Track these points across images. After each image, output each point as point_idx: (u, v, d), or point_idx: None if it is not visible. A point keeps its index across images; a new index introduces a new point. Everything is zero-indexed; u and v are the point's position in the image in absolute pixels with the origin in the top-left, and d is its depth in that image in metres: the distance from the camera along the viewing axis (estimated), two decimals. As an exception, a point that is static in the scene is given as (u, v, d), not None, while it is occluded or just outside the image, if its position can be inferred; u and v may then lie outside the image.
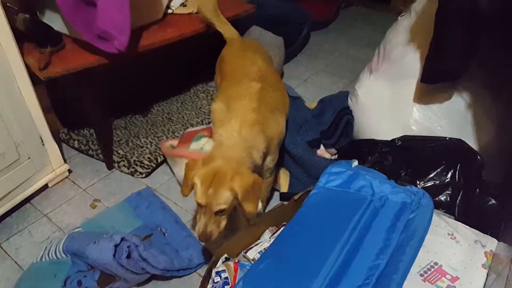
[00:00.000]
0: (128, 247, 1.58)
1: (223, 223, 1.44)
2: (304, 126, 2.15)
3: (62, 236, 1.75)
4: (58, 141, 2.21)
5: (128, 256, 1.58)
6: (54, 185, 2.07)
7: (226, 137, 1.51)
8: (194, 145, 1.97)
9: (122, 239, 1.58)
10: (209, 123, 2.50)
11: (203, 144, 1.96)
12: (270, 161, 1.70)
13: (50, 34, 1.82)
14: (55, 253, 1.68)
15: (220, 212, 1.40)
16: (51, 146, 1.95)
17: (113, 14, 1.62)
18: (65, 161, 2.10)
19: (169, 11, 2.25)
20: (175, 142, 2.11)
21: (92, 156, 2.22)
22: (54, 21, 1.87)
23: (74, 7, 1.66)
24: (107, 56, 1.78)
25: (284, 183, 2.05)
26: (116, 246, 1.55)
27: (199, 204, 1.41)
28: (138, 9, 1.88)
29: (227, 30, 2.13)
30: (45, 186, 2.03)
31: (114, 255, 1.54)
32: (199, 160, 1.45)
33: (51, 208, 1.96)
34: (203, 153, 1.90)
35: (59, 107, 2.28)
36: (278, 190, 2.04)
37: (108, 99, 2.33)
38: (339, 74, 3.06)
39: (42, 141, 1.89)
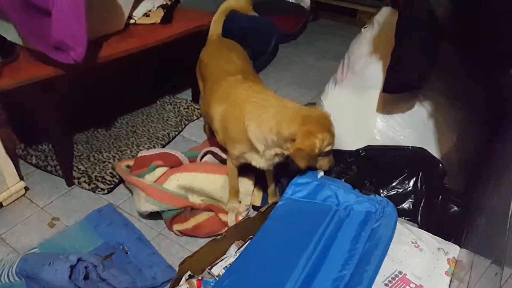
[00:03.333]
0: (86, 267, 1.51)
1: None
2: None
3: (16, 258, 1.66)
4: (15, 157, 2.12)
5: (86, 277, 1.51)
6: (9, 204, 1.97)
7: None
8: (149, 177, 1.92)
9: (79, 260, 1.51)
10: (175, 136, 2.46)
11: (158, 176, 1.94)
12: None
13: (2, 44, 1.75)
14: (8, 277, 1.58)
15: None
16: (6, 162, 1.86)
17: (68, 24, 1.56)
18: (21, 178, 2.02)
19: (131, 21, 2.22)
20: (131, 162, 2.06)
21: (51, 172, 2.14)
22: (7, 31, 1.80)
23: (27, 18, 1.61)
24: (64, 67, 1.72)
25: (257, 196, 2.03)
26: (72, 267, 1.48)
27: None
28: (98, 20, 1.84)
29: (215, 28, 2.15)
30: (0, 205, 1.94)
31: (70, 277, 1.47)
32: (308, 125, 1.49)
33: (5, 228, 1.86)
34: (160, 189, 1.87)
35: (15, 121, 2.19)
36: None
37: (68, 112, 2.26)
38: (307, 86, 3.07)
39: (-4, 158, 1.80)
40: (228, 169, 1.85)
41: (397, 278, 1.30)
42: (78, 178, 2.08)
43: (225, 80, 1.75)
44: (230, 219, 1.85)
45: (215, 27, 2.15)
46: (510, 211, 0.90)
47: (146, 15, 2.27)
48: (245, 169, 1.90)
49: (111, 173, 2.10)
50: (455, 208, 1.65)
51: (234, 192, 1.91)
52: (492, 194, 1.24)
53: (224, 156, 1.99)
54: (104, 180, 2.07)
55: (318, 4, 4.19)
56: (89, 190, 2.06)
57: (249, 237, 1.71)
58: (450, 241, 1.47)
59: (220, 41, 2.12)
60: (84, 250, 1.72)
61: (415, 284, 1.28)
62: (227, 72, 1.79)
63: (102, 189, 2.05)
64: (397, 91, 1.81)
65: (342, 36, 3.84)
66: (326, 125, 1.50)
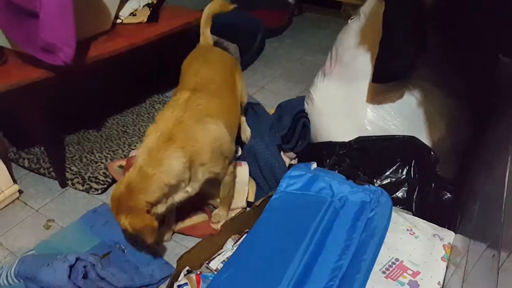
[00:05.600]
0: (84, 267, 1.51)
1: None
2: (272, 129, 2.13)
3: (14, 260, 1.65)
4: (7, 160, 2.11)
5: (85, 277, 1.52)
6: (4, 207, 1.96)
7: (140, 159, 1.47)
8: None
9: (77, 259, 1.51)
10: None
11: None
12: (220, 169, 1.63)
13: (-10, 48, 1.74)
14: (7, 279, 1.58)
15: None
16: (-2, 166, 1.85)
17: (56, 25, 1.55)
18: (15, 181, 2.00)
19: (118, 21, 2.20)
20: (123, 162, 2.04)
21: (43, 174, 2.12)
22: (-6, 35, 1.78)
23: (14, 21, 1.59)
24: (53, 69, 1.71)
25: (251, 191, 2.02)
26: (71, 266, 1.48)
27: None
28: (85, 20, 1.82)
29: (203, 36, 2.08)
30: (-6, 209, 1.92)
31: (69, 276, 1.47)
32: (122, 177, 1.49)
33: (1, 231, 1.85)
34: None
35: (6, 125, 2.17)
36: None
37: (59, 114, 2.24)
38: (295, 80, 3.08)
39: (-12, 162, 1.79)
40: None
41: (394, 266, 1.33)
42: (72, 180, 2.07)
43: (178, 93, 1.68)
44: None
45: (203, 35, 2.08)
46: (505, 194, 0.92)
47: (133, 14, 2.25)
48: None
49: (104, 173, 2.09)
50: (448, 195, 1.68)
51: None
52: (485, 179, 1.26)
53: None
54: (97, 180, 2.06)
55: (302, -3, 4.20)
56: (83, 191, 2.05)
57: (245, 231, 1.72)
58: (444, 228, 1.49)
59: (204, 49, 2.05)
60: (81, 250, 1.72)
61: (412, 270, 1.30)
62: (187, 84, 1.71)
63: (96, 189, 2.04)
64: (386, 81, 1.83)
65: (328, 29, 3.85)
66: None
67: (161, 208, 1.50)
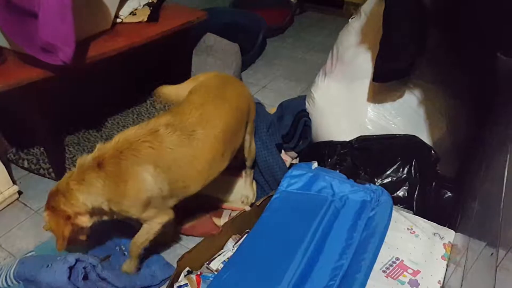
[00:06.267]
0: (84, 268, 1.51)
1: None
2: (271, 128, 2.13)
3: (13, 261, 1.65)
4: (6, 161, 2.10)
5: (85, 278, 1.51)
6: (3, 208, 1.95)
7: (76, 168, 1.42)
8: None
9: (77, 260, 1.50)
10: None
11: None
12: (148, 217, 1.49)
13: (-12, 49, 1.73)
14: (6, 281, 1.57)
15: None
16: (-2, 167, 1.84)
17: (55, 25, 1.55)
18: (14, 182, 1.99)
19: (118, 20, 2.19)
20: None
21: (43, 175, 2.12)
22: (-7, 35, 1.78)
23: (13, 20, 1.59)
24: (52, 69, 1.70)
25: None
26: (70, 268, 1.47)
27: None
28: (84, 19, 1.82)
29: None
30: (-7, 210, 1.92)
31: (69, 278, 1.46)
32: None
33: (1, 233, 1.84)
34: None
35: (5, 125, 2.17)
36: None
37: (59, 114, 2.24)
38: (296, 79, 3.08)
39: (-13, 163, 1.79)
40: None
41: (394, 265, 1.32)
42: (72, 180, 2.06)
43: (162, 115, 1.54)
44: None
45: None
46: (503, 192, 0.92)
47: (133, 13, 2.25)
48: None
49: (104, 173, 2.09)
50: (449, 193, 1.68)
51: None
52: (485, 178, 1.26)
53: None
54: (98, 181, 2.05)
55: (304, -4, 4.20)
56: (83, 191, 2.05)
57: (246, 231, 1.72)
58: (445, 226, 1.49)
59: (224, 78, 1.81)
60: (81, 252, 1.71)
61: (412, 269, 1.30)
62: (178, 109, 1.57)
63: (97, 190, 2.03)
64: (387, 80, 1.83)
65: (330, 28, 3.85)
66: None
67: (86, 222, 1.44)
